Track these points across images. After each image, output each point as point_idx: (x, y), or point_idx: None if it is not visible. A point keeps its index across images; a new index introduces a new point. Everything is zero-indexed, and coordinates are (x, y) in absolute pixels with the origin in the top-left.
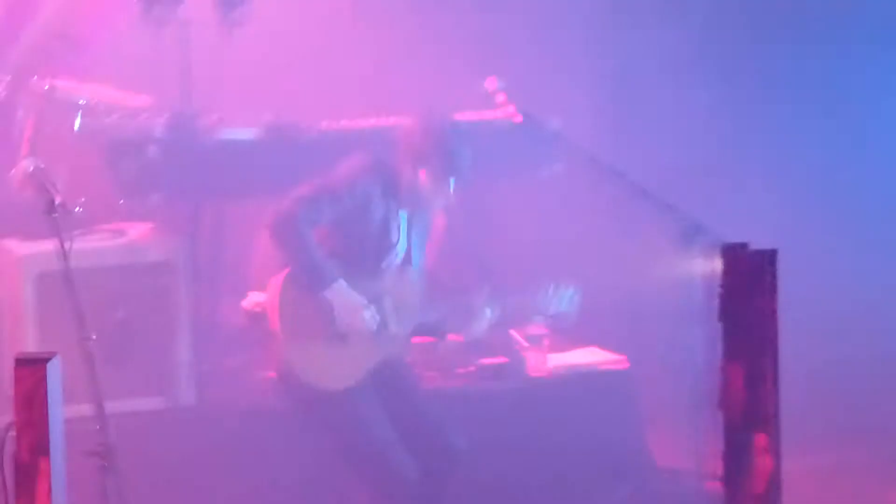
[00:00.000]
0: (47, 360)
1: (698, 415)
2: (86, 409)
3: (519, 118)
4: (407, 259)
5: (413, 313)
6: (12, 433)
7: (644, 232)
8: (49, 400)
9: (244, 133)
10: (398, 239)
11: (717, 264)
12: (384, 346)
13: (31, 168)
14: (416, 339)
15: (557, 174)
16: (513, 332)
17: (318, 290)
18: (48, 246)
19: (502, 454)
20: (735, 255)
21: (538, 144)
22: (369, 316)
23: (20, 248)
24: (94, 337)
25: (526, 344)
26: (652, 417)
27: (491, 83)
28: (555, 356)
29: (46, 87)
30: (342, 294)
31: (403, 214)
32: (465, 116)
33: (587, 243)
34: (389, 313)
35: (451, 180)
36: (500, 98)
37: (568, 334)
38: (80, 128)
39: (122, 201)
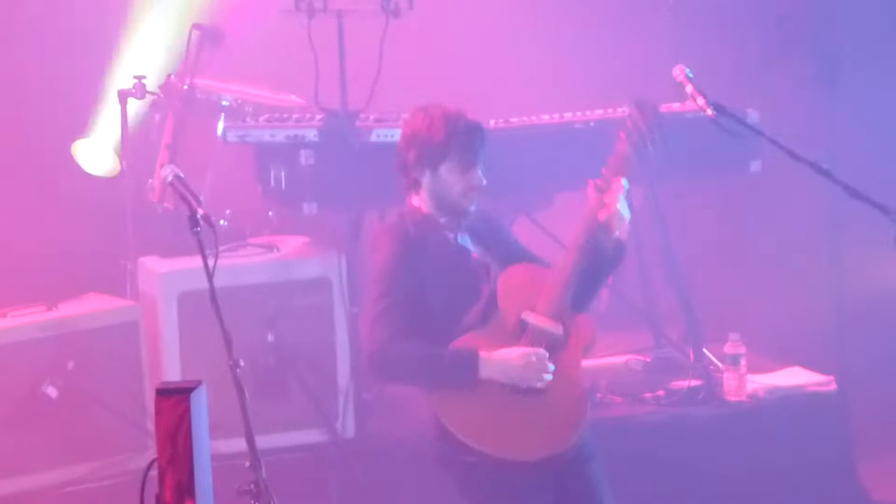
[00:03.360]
0: (192, 389)
1: None
2: (235, 443)
3: (711, 111)
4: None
5: (560, 295)
6: (154, 472)
7: (853, 236)
8: (194, 434)
9: None
10: (476, 272)
11: None
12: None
13: (171, 177)
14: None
15: (755, 173)
16: (706, 352)
17: (466, 382)
18: (191, 263)
19: (696, 486)
20: None
21: (733, 140)
22: (536, 358)
23: (160, 265)
24: (243, 363)
25: (721, 364)
26: (864, 444)
27: (679, 72)
28: (754, 377)
29: (186, 87)
30: (490, 361)
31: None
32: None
33: (788, 249)
34: (539, 328)
35: (478, 169)
36: (690, 89)
37: (768, 353)
38: (223, 132)
39: (271, 213)
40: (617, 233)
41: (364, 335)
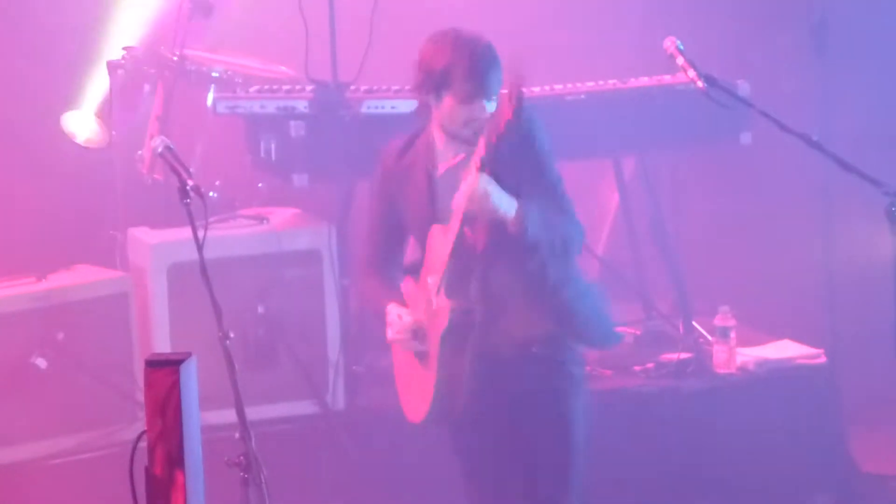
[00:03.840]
0: (181, 361)
1: None
2: (225, 415)
3: (702, 83)
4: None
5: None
6: (143, 443)
7: (844, 208)
8: (184, 406)
9: (397, 106)
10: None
11: None
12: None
13: (161, 148)
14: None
15: (746, 145)
16: (696, 324)
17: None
18: (181, 234)
19: (685, 459)
20: None
21: (724, 112)
22: (405, 325)
23: (150, 236)
24: (233, 335)
25: (711, 337)
26: (854, 417)
27: (670, 44)
28: (743, 350)
29: (176, 58)
30: (390, 317)
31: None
32: (639, 82)
33: (778, 221)
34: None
35: (487, 103)
36: (681, 61)
37: (758, 326)
38: (213, 103)
39: (261, 184)
40: (491, 216)
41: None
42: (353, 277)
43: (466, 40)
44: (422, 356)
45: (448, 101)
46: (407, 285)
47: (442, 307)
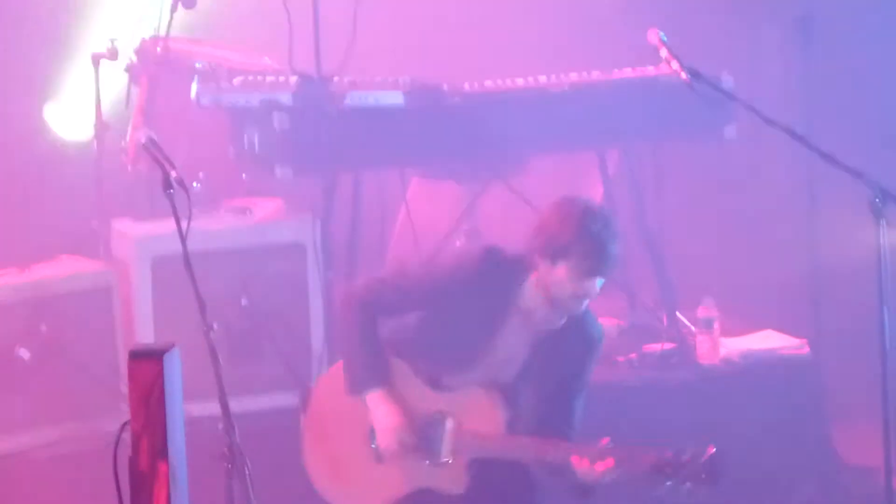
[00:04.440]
0: (165, 352)
1: (889, 405)
2: (208, 407)
3: (686, 75)
4: (494, 380)
5: (477, 446)
6: (127, 434)
7: (827, 200)
8: (167, 397)
9: (381, 98)
10: (484, 357)
11: None
12: (425, 476)
13: (144, 140)
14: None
15: (729, 138)
16: (680, 315)
17: (351, 391)
18: (164, 227)
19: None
20: None
21: (708, 105)
22: (402, 440)
23: (133, 228)
24: (217, 327)
25: (694, 328)
26: (837, 409)
27: (653, 36)
28: (727, 341)
29: (160, 50)
30: (377, 406)
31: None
32: (623, 74)
33: (762, 213)
34: (445, 438)
35: (598, 281)
36: (665, 53)
37: (742, 317)
38: (197, 94)
39: (245, 176)
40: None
41: (372, 280)
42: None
43: (595, 216)
44: (379, 457)
45: (562, 271)
46: (401, 371)
47: (458, 473)
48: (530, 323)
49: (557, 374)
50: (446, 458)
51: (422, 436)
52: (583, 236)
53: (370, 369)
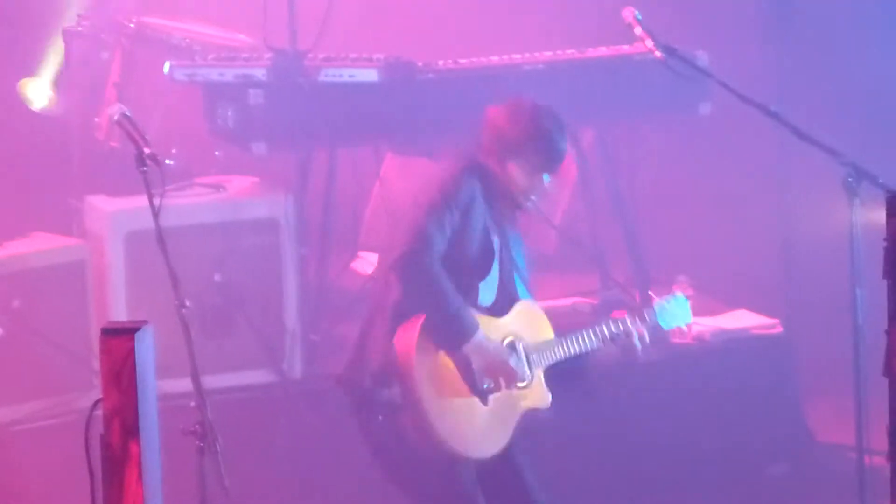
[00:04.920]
0: (137, 329)
1: (862, 384)
2: (181, 383)
3: (660, 53)
4: (510, 282)
5: (548, 352)
6: (99, 411)
7: (801, 179)
8: (139, 374)
9: (355, 74)
10: (496, 255)
11: (883, 214)
12: (522, 401)
13: (118, 116)
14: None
15: (704, 115)
16: (652, 294)
17: (451, 347)
18: (138, 202)
19: (642, 428)
20: None
21: (683, 82)
22: (518, 368)
23: (107, 204)
24: (190, 303)
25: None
26: (809, 388)
27: (628, 14)
28: (700, 320)
29: (133, 25)
30: (479, 350)
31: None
32: (598, 52)
33: (736, 191)
34: (523, 358)
35: (545, 176)
36: (639, 31)
37: (715, 296)
38: (171, 71)
39: (218, 152)
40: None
41: (414, 233)
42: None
43: (544, 113)
44: (485, 396)
45: (512, 168)
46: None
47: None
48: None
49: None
50: (530, 377)
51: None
52: (533, 134)
53: (463, 320)
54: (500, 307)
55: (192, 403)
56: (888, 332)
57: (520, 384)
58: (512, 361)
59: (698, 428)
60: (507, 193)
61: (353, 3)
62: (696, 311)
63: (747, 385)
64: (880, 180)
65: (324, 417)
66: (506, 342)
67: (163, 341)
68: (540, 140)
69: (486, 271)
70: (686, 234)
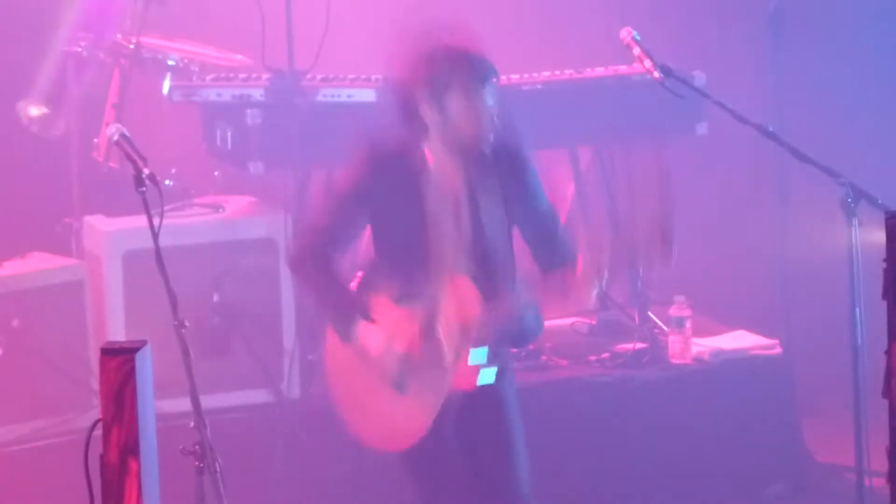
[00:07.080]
0: (136, 349)
1: (861, 405)
2: (180, 403)
3: (658, 74)
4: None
5: (473, 332)
6: (98, 432)
7: (799, 199)
8: (139, 394)
9: (353, 94)
10: (453, 230)
11: (882, 234)
12: (447, 385)
13: (116, 136)
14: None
15: (701, 136)
16: (651, 315)
17: (344, 339)
18: (136, 222)
19: (641, 448)
20: None
21: (680, 102)
22: (395, 352)
23: (105, 224)
24: (188, 323)
25: (666, 327)
26: (808, 408)
27: (626, 35)
28: (699, 341)
29: (132, 46)
30: (364, 337)
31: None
32: (595, 73)
33: (734, 212)
34: (443, 342)
35: (486, 86)
36: (637, 51)
37: (713, 316)
38: (169, 91)
39: (217, 172)
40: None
41: (295, 238)
42: (290, 262)
43: (434, 36)
44: (399, 386)
45: (453, 102)
46: (380, 302)
47: (467, 371)
48: (450, 178)
49: (506, 200)
50: (453, 359)
51: (426, 351)
52: (445, 60)
53: (344, 308)
54: (489, 272)
55: (192, 424)
56: (888, 353)
57: (442, 371)
58: (391, 351)
59: (697, 448)
60: (455, 142)
61: (351, 24)
62: (695, 332)
63: (746, 405)
64: (879, 201)
65: (322, 438)
66: (425, 328)
67: (161, 361)
68: (455, 60)
69: (430, 245)
70: (684, 254)
